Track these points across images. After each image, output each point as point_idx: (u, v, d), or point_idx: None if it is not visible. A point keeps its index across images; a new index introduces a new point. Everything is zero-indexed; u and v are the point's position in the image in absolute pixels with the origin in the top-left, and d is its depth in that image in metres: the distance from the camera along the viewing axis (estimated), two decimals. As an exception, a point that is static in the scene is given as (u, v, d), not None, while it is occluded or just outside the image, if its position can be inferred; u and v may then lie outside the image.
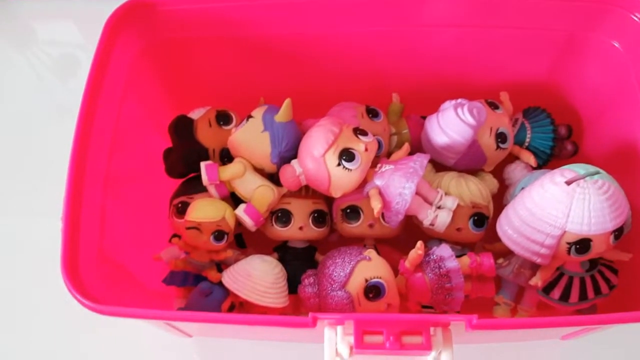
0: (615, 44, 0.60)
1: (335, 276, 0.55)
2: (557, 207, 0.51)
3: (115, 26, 0.58)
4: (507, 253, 0.58)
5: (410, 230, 0.63)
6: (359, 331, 0.44)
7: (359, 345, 0.43)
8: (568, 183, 0.51)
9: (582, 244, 0.51)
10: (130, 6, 0.58)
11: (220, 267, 0.61)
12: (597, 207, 0.50)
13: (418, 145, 0.66)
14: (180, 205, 0.63)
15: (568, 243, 0.51)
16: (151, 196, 0.66)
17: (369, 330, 0.44)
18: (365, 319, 0.44)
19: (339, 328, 0.45)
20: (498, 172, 0.65)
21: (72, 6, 0.92)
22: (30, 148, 0.82)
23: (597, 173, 0.52)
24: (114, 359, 0.67)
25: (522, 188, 0.59)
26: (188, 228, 0.58)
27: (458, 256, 0.57)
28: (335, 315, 0.45)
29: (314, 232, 0.63)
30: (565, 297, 0.57)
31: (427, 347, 0.43)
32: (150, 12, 0.59)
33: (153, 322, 0.56)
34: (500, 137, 0.62)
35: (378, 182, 0.58)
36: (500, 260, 0.60)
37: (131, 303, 0.55)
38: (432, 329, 0.44)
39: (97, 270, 0.53)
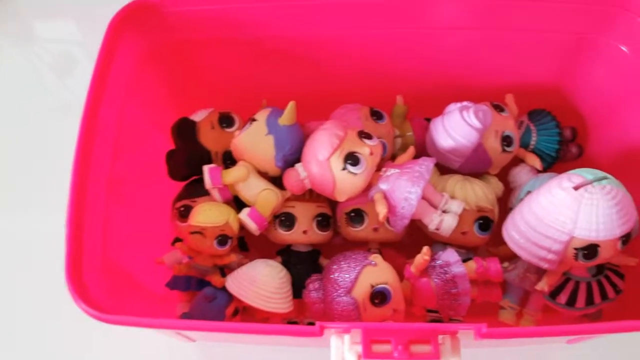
0: (623, 48, 0.59)
1: (340, 282, 0.55)
2: (564, 212, 0.50)
3: (118, 27, 0.57)
4: (512, 257, 0.58)
5: (415, 234, 0.63)
6: (367, 340, 0.43)
7: (367, 354, 0.43)
8: (576, 188, 0.50)
9: (590, 250, 0.51)
10: (133, 8, 0.58)
11: (224, 271, 0.61)
12: (606, 212, 0.50)
13: (422, 148, 0.66)
14: (183, 208, 0.62)
15: (575, 249, 0.51)
16: (154, 199, 0.65)
17: (377, 339, 0.43)
18: (373, 328, 0.44)
19: (346, 337, 0.44)
20: (503, 175, 0.65)
21: (71, 4, 0.91)
22: (30, 145, 0.81)
23: (605, 178, 0.51)
24: (116, 363, 0.67)
25: (528, 191, 0.59)
26: (191, 233, 0.57)
27: (464, 260, 0.57)
28: (343, 324, 0.44)
29: (318, 235, 0.62)
30: (571, 302, 0.57)
31: (435, 355, 0.43)
32: (153, 13, 0.59)
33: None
34: (506, 140, 0.62)
35: (383, 186, 0.58)
36: (505, 265, 0.60)
37: (135, 308, 0.55)
38: (440, 337, 0.44)
39: (101, 276, 0.52)
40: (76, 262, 0.48)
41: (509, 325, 0.60)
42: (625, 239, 0.51)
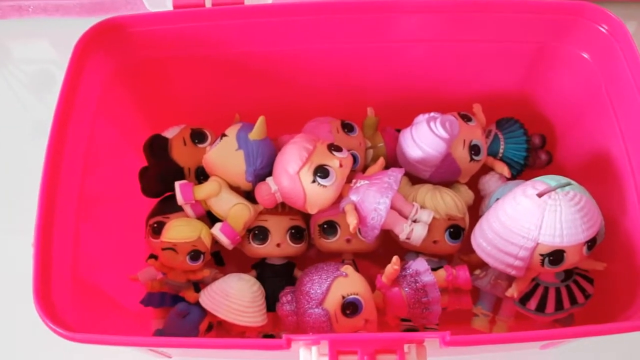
0: (585, 55, 0.60)
1: (312, 293, 0.55)
2: (529, 219, 0.51)
3: (86, 47, 0.57)
4: (484, 264, 0.58)
5: (389, 244, 0.63)
6: (334, 351, 0.44)
7: (334, 365, 0.43)
8: (539, 195, 0.51)
9: (556, 256, 0.52)
10: (101, 28, 0.58)
11: (199, 286, 0.61)
12: (569, 218, 0.50)
13: (394, 159, 0.66)
14: (156, 225, 0.62)
15: (541, 255, 0.52)
16: (127, 216, 0.66)
17: (344, 350, 0.44)
18: (339, 339, 0.44)
19: (314, 348, 0.45)
20: (473, 183, 0.65)
21: (46, 25, 0.92)
22: (5, 165, 0.81)
23: (569, 184, 0.52)
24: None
25: (497, 199, 0.59)
26: (164, 249, 0.58)
27: (434, 269, 0.58)
28: (310, 336, 0.44)
29: (291, 248, 0.63)
30: (541, 307, 0.57)
31: (401, 364, 0.43)
32: (121, 33, 0.59)
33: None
34: (474, 149, 0.62)
35: (353, 197, 0.58)
36: (477, 272, 0.60)
37: (108, 326, 0.55)
38: (406, 346, 0.44)
39: (71, 294, 0.52)
40: (44, 280, 0.48)
41: (482, 332, 0.61)
42: (591, 244, 0.52)
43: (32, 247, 0.49)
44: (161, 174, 0.63)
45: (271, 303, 0.60)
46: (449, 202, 0.61)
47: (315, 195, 0.57)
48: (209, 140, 0.64)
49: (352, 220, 0.57)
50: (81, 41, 0.57)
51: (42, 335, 0.49)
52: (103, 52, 0.59)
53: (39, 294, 0.47)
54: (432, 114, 0.62)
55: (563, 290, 0.57)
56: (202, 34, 0.61)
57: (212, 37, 0.61)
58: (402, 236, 0.59)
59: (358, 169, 0.65)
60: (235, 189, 0.62)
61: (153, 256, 0.63)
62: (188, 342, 0.49)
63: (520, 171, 0.66)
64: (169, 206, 0.63)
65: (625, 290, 0.56)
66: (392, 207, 0.58)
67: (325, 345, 0.44)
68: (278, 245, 0.62)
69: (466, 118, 0.64)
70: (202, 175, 0.64)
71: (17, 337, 0.68)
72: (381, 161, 0.62)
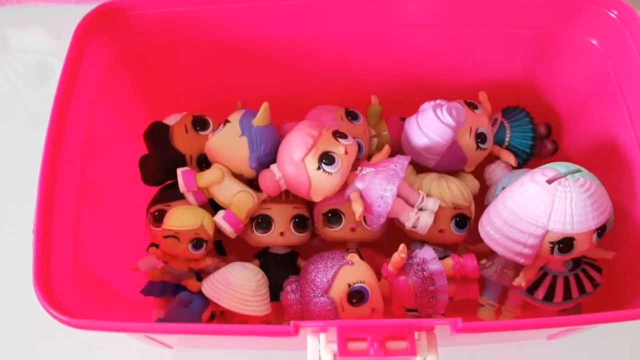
0: (593, 41, 0.60)
1: (317, 282, 0.54)
2: (538, 206, 0.50)
3: (85, 32, 0.56)
4: (490, 253, 0.58)
5: (393, 233, 0.63)
6: (342, 338, 0.43)
7: (343, 352, 0.42)
8: (549, 182, 0.50)
9: (565, 243, 0.51)
10: (100, 12, 0.57)
11: (200, 275, 0.60)
12: (580, 205, 0.50)
13: (398, 147, 0.66)
14: (157, 213, 0.61)
15: (551, 242, 0.51)
16: (128, 204, 0.64)
17: (353, 337, 0.43)
18: (348, 326, 0.43)
19: (322, 335, 0.44)
20: (479, 172, 0.65)
21: (43, 14, 0.90)
22: (4, 157, 0.80)
23: (579, 171, 0.52)
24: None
25: (503, 188, 0.58)
26: (165, 237, 0.57)
27: (441, 258, 0.57)
28: (318, 322, 0.44)
29: (295, 237, 0.62)
30: (549, 297, 0.56)
31: (412, 352, 0.43)
32: (122, 17, 0.58)
33: (132, 333, 0.55)
34: (480, 137, 0.62)
35: (359, 185, 0.58)
36: (483, 261, 0.59)
37: (109, 315, 0.54)
38: (416, 333, 0.44)
39: (72, 282, 0.51)
40: (45, 268, 0.47)
41: (489, 322, 0.60)
42: (601, 231, 0.51)
43: (32, 235, 0.48)
44: (162, 162, 0.62)
45: (274, 292, 0.59)
46: (455, 190, 0.60)
47: (320, 183, 0.57)
48: (211, 127, 0.63)
49: (357, 208, 0.56)
50: (80, 26, 0.56)
51: (43, 326, 0.48)
52: (103, 37, 0.58)
53: (39, 281, 0.46)
54: (438, 101, 0.61)
55: (571, 279, 0.56)
56: (204, 17, 0.60)
57: (214, 21, 0.60)
58: (408, 224, 0.58)
59: (362, 158, 0.64)
60: (239, 176, 0.61)
61: (154, 245, 0.61)
62: (195, 328, 0.48)
63: (527, 160, 0.66)
64: (170, 194, 0.62)
65: (634, 280, 0.55)
66: (398, 195, 0.57)
67: (333, 332, 0.43)
68: (282, 234, 0.61)
69: (472, 106, 0.63)
70: (204, 163, 0.63)
71: (19, 328, 0.67)
72: (386, 148, 0.61)
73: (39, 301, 0.45)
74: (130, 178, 0.63)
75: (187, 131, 0.62)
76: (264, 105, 0.59)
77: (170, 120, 0.63)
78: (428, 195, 0.59)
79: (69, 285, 0.50)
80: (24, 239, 0.50)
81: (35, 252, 0.48)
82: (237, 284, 0.56)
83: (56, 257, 0.50)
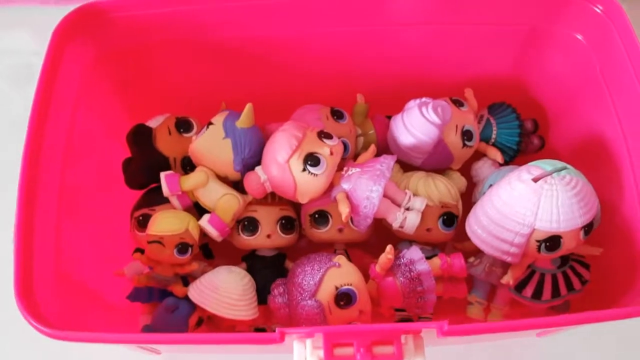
0: (578, 37, 0.59)
1: (305, 285, 0.54)
2: (525, 205, 0.50)
3: (65, 33, 0.55)
4: (478, 251, 0.57)
5: (381, 233, 0.62)
6: (329, 344, 0.42)
7: (329, 358, 0.42)
8: (535, 180, 0.50)
9: (552, 241, 0.51)
10: (80, 13, 0.56)
11: (187, 280, 0.59)
12: (566, 203, 0.49)
13: (385, 146, 0.65)
14: (141, 217, 0.61)
15: (538, 241, 0.51)
16: (111, 209, 0.64)
17: (339, 343, 0.42)
18: (335, 331, 0.43)
19: (308, 341, 0.43)
20: (466, 170, 0.64)
21: (25, 14, 0.89)
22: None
23: (565, 168, 0.51)
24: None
25: (490, 185, 0.58)
26: (150, 242, 0.56)
27: (429, 257, 0.57)
28: (304, 329, 0.43)
29: (282, 239, 0.61)
30: (537, 294, 0.56)
31: (398, 356, 0.42)
32: (102, 18, 0.57)
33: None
34: (466, 135, 0.61)
35: (345, 185, 0.57)
36: (471, 259, 0.59)
37: (93, 322, 0.54)
38: (403, 337, 0.43)
39: (55, 291, 0.50)
40: (26, 276, 0.47)
41: (477, 320, 0.60)
42: (588, 228, 0.51)
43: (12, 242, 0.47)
44: (146, 165, 0.61)
45: (262, 296, 0.58)
46: (442, 189, 0.59)
47: (306, 184, 0.56)
48: (195, 129, 0.63)
49: (344, 209, 0.55)
50: (59, 27, 0.55)
51: (27, 335, 0.47)
52: (83, 39, 0.57)
53: (20, 291, 0.45)
54: (423, 99, 0.61)
55: (559, 277, 0.56)
56: (186, 18, 0.59)
57: (196, 22, 0.59)
58: (395, 224, 0.57)
59: (348, 157, 0.64)
60: (223, 179, 0.60)
61: (139, 250, 0.61)
62: (177, 338, 0.47)
63: (513, 157, 0.65)
64: (154, 198, 0.61)
65: (622, 276, 0.55)
66: (385, 195, 0.56)
67: (319, 338, 0.43)
68: (268, 236, 0.60)
69: (458, 103, 0.62)
70: (188, 166, 0.62)
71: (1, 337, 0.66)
72: (372, 148, 0.61)
73: (20, 312, 0.44)
74: (114, 182, 0.62)
75: (170, 133, 0.62)
76: (248, 107, 0.58)
77: (153, 123, 0.62)
78: (415, 194, 0.59)
79: (51, 294, 0.49)
80: (4, 243, 0.49)
81: (15, 260, 0.47)
82: (224, 289, 0.55)
83: (38, 264, 0.49)
